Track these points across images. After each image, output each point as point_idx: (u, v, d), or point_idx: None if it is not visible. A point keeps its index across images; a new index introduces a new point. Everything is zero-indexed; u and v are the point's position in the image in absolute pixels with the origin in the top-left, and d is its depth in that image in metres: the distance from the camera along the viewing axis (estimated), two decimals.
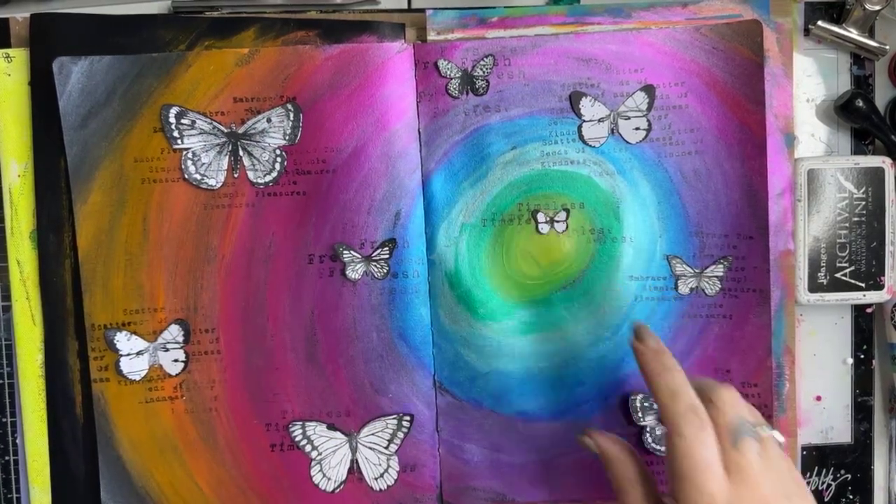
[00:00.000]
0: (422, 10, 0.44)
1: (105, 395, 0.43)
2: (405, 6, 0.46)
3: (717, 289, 0.45)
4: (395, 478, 0.45)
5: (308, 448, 0.45)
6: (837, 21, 0.46)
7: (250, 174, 0.43)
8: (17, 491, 0.45)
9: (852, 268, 0.46)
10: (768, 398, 0.45)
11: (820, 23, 0.46)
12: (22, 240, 0.44)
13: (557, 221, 0.45)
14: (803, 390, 0.48)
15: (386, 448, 0.45)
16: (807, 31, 0.47)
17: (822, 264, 0.46)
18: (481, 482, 0.45)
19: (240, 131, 0.43)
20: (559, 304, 0.45)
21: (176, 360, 0.44)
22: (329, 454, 0.45)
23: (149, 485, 0.44)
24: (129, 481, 0.44)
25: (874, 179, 0.46)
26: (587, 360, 0.45)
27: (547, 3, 0.46)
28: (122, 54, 0.42)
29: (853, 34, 0.46)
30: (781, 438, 0.34)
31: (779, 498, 0.32)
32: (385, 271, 0.44)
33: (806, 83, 0.47)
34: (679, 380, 0.34)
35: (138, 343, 0.44)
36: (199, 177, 0.43)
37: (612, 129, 0.45)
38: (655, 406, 0.45)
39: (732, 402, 0.34)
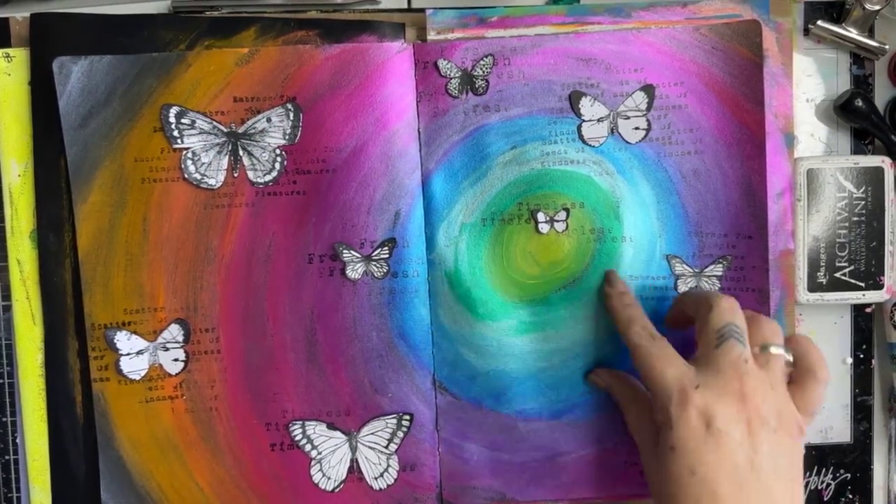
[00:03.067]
0: (422, 10, 0.44)
1: (105, 395, 0.43)
2: (405, 6, 0.46)
3: (717, 288, 0.45)
4: (395, 477, 0.45)
5: (308, 447, 0.45)
6: (837, 21, 0.46)
7: (250, 174, 0.44)
8: (18, 490, 0.45)
9: (852, 267, 0.46)
10: None
11: (819, 22, 0.46)
12: (22, 239, 0.44)
13: (557, 221, 0.45)
14: None
15: (386, 447, 0.45)
16: (806, 31, 0.47)
17: (822, 264, 0.46)
18: (481, 482, 0.45)
19: (240, 131, 0.43)
20: (559, 303, 0.45)
21: (176, 360, 0.44)
22: (329, 453, 0.45)
23: (149, 484, 0.44)
24: (129, 481, 0.44)
25: (874, 179, 0.46)
26: (587, 360, 0.45)
27: (547, 3, 0.46)
28: (123, 54, 0.42)
29: (853, 34, 0.46)
30: (790, 357, 0.37)
31: (760, 402, 0.34)
32: (385, 271, 0.44)
33: (805, 83, 0.47)
34: (636, 312, 0.40)
35: (138, 343, 0.44)
36: (198, 176, 0.43)
37: (612, 129, 0.45)
38: None
39: (729, 309, 0.37)
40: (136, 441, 0.44)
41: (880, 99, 0.47)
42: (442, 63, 0.44)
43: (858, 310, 0.48)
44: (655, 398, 0.37)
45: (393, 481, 0.45)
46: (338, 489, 0.45)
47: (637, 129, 0.45)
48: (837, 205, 0.46)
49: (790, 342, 0.39)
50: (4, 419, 0.45)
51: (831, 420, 0.48)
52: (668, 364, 0.36)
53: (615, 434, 0.45)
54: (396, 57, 0.43)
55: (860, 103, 0.45)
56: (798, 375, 0.38)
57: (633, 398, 0.41)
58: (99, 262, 0.43)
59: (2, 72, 0.43)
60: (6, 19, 0.43)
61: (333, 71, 0.43)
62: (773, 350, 0.37)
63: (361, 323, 0.44)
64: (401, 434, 0.45)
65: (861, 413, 0.48)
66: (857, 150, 0.48)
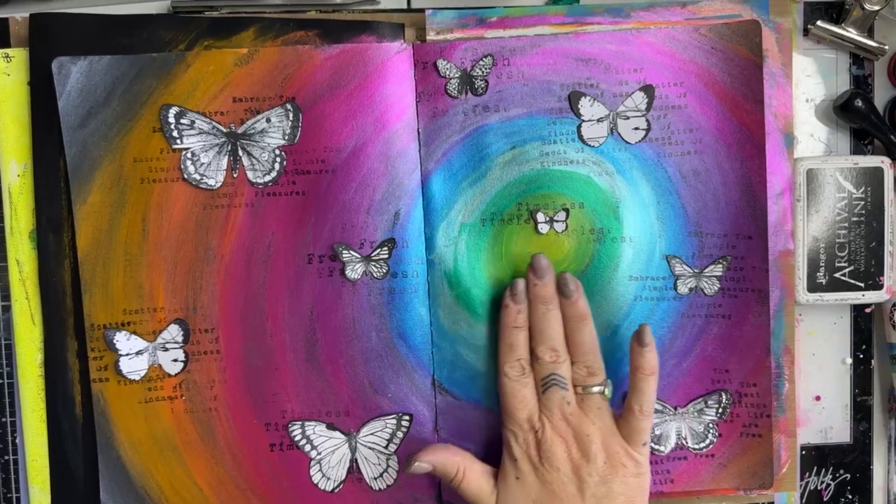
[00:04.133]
0: (421, 10, 0.44)
1: (104, 395, 0.43)
2: (405, 6, 0.46)
3: (716, 289, 0.45)
4: (395, 477, 0.45)
5: (307, 448, 0.45)
6: (836, 21, 0.46)
7: (249, 174, 0.43)
8: (17, 490, 0.45)
9: (851, 268, 0.46)
10: (767, 398, 0.45)
11: (819, 23, 0.46)
12: (21, 239, 0.44)
13: (557, 221, 0.45)
14: (802, 390, 0.48)
15: (385, 448, 0.45)
16: (806, 31, 0.47)
17: (822, 264, 0.46)
18: None
19: (239, 131, 0.43)
20: None
21: (175, 360, 0.44)
22: (328, 454, 0.45)
23: (148, 484, 0.44)
24: (128, 481, 0.44)
25: (873, 179, 0.46)
26: None
27: (546, 3, 0.46)
28: (122, 54, 0.42)
29: (852, 34, 0.46)
30: (607, 392, 0.42)
31: (581, 435, 0.41)
32: (384, 271, 0.44)
33: (805, 83, 0.47)
34: (519, 339, 0.42)
35: (138, 343, 0.44)
36: (198, 177, 0.43)
37: (612, 129, 0.45)
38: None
39: (554, 359, 0.41)
40: (136, 441, 0.44)
41: (880, 99, 0.47)
42: (441, 63, 0.44)
43: (858, 310, 0.48)
44: (506, 429, 0.42)
45: (392, 481, 0.45)
46: (337, 489, 0.45)
47: (637, 129, 0.45)
48: (837, 205, 0.46)
49: (633, 370, 0.42)
50: (4, 419, 0.45)
51: (831, 420, 0.48)
52: (522, 406, 0.41)
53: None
54: (396, 57, 0.43)
55: (860, 103, 0.45)
56: (625, 408, 0.42)
57: (469, 459, 0.42)
58: (98, 263, 0.43)
59: (1, 72, 0.43)
60: (6, 19, 0.43)
61: (333, 71, 0.43)
62: (590, 390, 0.41)
63: (361, 323, 0.44)
64: (400, 434, 0.45)
65: (861, 413, 0.48)
66: (856, 151, 0.48)
